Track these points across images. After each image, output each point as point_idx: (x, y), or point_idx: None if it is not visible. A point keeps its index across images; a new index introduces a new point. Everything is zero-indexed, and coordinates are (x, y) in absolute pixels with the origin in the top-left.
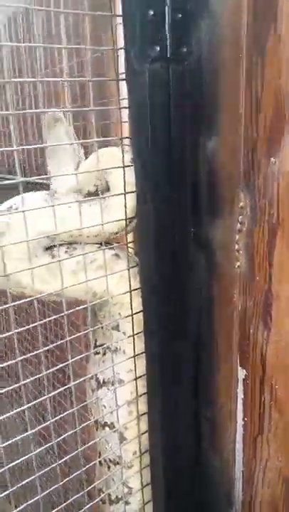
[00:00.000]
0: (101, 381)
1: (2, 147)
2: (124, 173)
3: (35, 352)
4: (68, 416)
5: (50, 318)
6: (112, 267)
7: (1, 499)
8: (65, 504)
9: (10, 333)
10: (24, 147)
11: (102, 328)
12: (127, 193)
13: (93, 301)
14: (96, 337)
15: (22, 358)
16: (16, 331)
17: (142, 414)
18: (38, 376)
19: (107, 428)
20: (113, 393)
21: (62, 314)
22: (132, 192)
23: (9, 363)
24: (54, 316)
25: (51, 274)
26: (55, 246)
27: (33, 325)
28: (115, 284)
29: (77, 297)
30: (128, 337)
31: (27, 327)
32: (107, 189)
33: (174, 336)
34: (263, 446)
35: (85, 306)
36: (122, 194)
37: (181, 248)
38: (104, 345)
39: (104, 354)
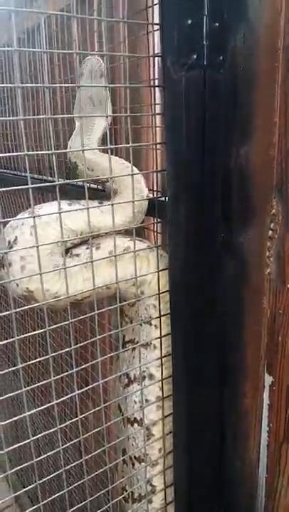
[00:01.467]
0: (132, 377)
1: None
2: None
3: (61, 351)
4: (90, 415)
5: (77, 318)
6: (148, 257)
7: (23, 494)
8: (88, 501)
9: (41, 331)
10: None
11: (130, 323)
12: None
13: (131, 291)
14: (124, 333)
15: (51, 355)
16: (42, 330)
17: (168, 415)
18: (62, 375)
19: (135, 424)
20: (145, 389)
21: (91, 314)
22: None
23: (41, 358)
24: (83, 316)
25: (89, 271)
26: (68, 249)
27: (60, 324)
28: (154, 274)
29: (118, 289)
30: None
31: (54, 326)
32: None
33: (201, 340)
34: (288, 454)
35: (118, 304)
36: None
37: (210, 252)
38: (134, 341)
39: (133, 350)
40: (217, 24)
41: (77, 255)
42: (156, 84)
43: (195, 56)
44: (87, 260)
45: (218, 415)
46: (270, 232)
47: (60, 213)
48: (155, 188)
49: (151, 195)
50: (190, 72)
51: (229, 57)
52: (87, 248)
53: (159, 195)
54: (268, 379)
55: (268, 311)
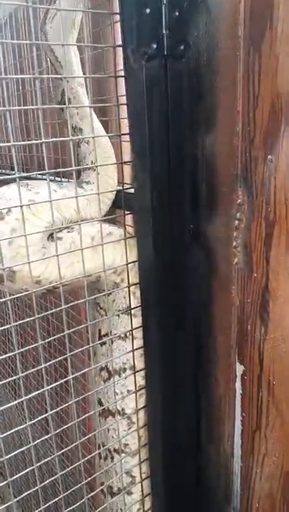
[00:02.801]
0: (112, 370)
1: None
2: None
3: (34, 345)
4: (69, 409)
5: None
6: (130, 243)
7: (2, 488)
8: (64, 494)
9: (8, 326)
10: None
11: (106, 315)
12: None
13: (111, 279)
14: (100, 327)
15: (20, 350)
16: (15, 324)
17: (143, 407)
18: (36, 368)
19: (117, 415)
20: (125, 380)
21: (62, 308)
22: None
23: (8, 355)
24: (58, 309)
25: (71, 256)
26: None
27: (33, 318)
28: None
29: (97, 276)
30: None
31: (27, 319)
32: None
33: (173, 330)
34: (261, 442)
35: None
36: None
37: (179, 243)
38: (113, 334)
39: (112, 343)
40: (177, 13)
41: (60, 239)
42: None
43: (155, 45)
44: (70, 245)
45: (193, 405)
46: (237, 221)
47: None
48: (121, 180)
49: (118, 187)
50: (150, 62)
51: (191, 46)
52: (68, 232)
53: (126, 187)
54: (240, 368)
55: (236, 301)
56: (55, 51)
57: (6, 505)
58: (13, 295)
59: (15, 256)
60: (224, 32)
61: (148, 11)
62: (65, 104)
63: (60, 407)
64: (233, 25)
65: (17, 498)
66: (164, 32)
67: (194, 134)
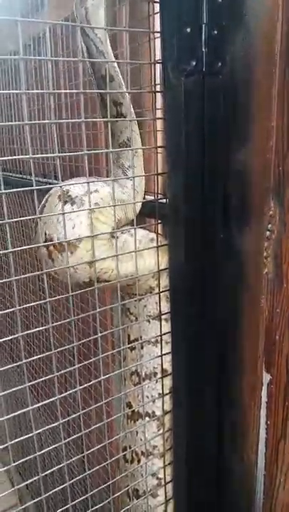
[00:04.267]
0: (142, 375)
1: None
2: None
3: (60, 348)
4: (92, 413)
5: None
6: (162, 250)
7: (27, 495)
8: (85, 497)
9: (44, 327)
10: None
11: (136, 320)
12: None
13: (148, 283)
14: (129, 332)
15: (55, 351)
16: (47, 326)
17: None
18: (62, 372)
19: (147, 418)
20: (155, 384)
21: (93, 312)
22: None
23: (43, 355)
24: (86, 314)
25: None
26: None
27: (67, 320)
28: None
29: (135, 279)
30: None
31: (59, 322)
32: None
33: (200, 337)
34: (286, 451)
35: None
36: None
37: (210, 251)
38: (143, 340)
39: (141, 348)
40: (216, 32)
41: (117, 238)
42: (158, 90)
43: (194, 63)
44: (123, 244)
45: (218, 411)
46: (268, 232)
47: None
48: (156, 191)
49: (152, 197)
50: (189, 78)
51: (228, 63)
52: (122, 233)
53: (160, 198)
54: (266, 377)
55: (265, 311)
56: (95, 30)
57: (24, 506)
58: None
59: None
60: (261, 50)
61: (188, 30)
62: (110, 79)
63: (87, 409)
64: (270, 43)
65: (35, 500)
66: (204, 50)
67: (229, 148)
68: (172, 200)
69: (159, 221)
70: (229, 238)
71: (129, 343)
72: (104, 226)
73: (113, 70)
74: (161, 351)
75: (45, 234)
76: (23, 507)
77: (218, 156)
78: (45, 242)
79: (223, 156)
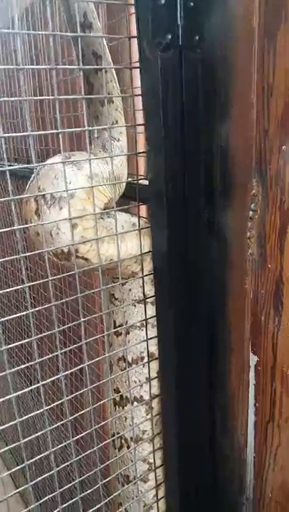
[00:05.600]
0: (130, 360)
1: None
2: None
3: (49, 332)
4: (84, 399)
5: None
6: (145, 233)
7: (17, 472)
8: (79, 480)
9: (25, 312)
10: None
11: (121, 305)
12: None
13: (131, 268)
14: (114, 318)
15: (37, 337)
16: (31, 310)
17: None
18: (50, 356)
19: (135, 402)
20: (142, 368)
21: (77, 295)
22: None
23: (24, 341)
24: (73, 297)
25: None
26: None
27: (48, 305)
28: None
29: (123, 263)
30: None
31: (42, 307)
32: None
33: (186, 320)
34: (274, 433)
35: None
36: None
37: (193, 232)
38: (128, 324)
39: (127, 333)
40: (192, 4)
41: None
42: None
43: (170, 36)
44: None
45: (207, 395)
46: (251, 212)
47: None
48: (135, 172)
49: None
50: (166, 53)
51: (205, 37)
52: (108, 217)
53: (140, 179)
54: (253, 359)
55: (250, 292)
56: None
57: (20, 489)
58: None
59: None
60: (239, 23)
61: (163, 1)
62: (88, 25)
63: (76, 393)
64: (248, 16)
65: (30, 484)
66: (179, 23)
67: (209, 125)
68: (153, 180)
69: (141, 203)
70: (212, 218)
71: (114, 329)
72: (97, 203)
73: (93, 17)
74: (147, 335)
75: (39, 188)
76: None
77: (198, 133)
78: (54, 256)
79: (204, 133)
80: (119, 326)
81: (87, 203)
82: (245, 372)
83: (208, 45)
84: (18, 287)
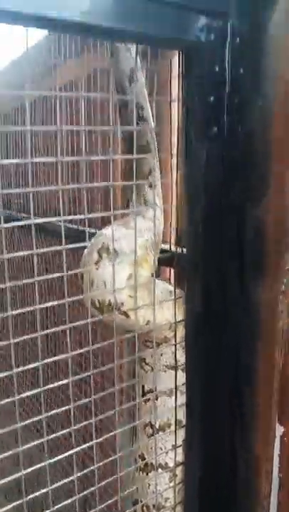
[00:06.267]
0: (157, 426)
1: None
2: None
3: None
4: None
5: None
6: (179, 300)
7: None
8: None
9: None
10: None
11: (151, 371)
12: None
13: (164, 334)
14: (143, 383)
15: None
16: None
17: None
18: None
19: (160, 469)
20: (169, 435)
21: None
22: None
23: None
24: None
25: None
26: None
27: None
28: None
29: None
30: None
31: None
32: None
33: (215, 388)
34: None
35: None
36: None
37: (226, 303)
38: (158, 390)
39: (156, 399)
40: (237, 100)
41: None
42: (178, 153)
43: (216, 129)
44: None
45: (230, 463)
46: (283, 286)
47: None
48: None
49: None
50: (211, 144)
51: (247, 128)
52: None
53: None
54: (280, 429)
55: (279, 363)
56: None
57: None
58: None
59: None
60: (277, 115)
61: (212, 99)
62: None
63: (101, 463)
64: (285, 109)
65: None
66: (225, 117)
67: (245, 203)
68: (190, 252)
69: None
70: (245, 291)
71: (143, 394)
72: (146, 272)
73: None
74: (176, 403)
75: (103, 243)
76: None
77: (236, 212)
78: (98, 306)
79: (241, 212)
80: (149, 391)
81: (143, 261)
82: (271, 441)
83: (249, 135)
84: (34, 336)
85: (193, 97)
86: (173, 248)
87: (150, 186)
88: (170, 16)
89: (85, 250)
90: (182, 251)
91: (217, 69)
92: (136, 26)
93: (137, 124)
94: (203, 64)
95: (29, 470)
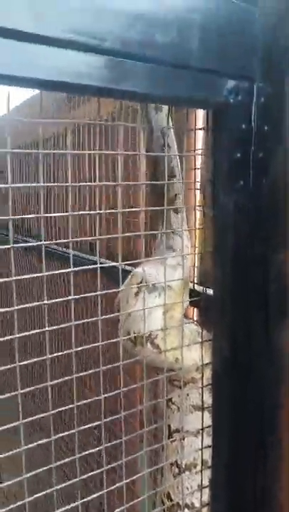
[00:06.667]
0: (183, 466)
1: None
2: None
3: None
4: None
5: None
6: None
7: None
8: None
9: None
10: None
11: (178, 410)
12: None
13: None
14: (169, 422)
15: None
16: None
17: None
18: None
19: (186, 509)
20: (195, 475)
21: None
22: None
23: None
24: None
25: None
26: None
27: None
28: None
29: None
30: None
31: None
32: None
33: (240, 430)
34: None
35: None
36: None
37: (252, 347)
38: (184, 430)
39: (182, 439)
40: (261, 154)
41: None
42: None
43: (242, 182)
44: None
45: (254, 509)
46: None
47: None
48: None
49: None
50: (237, 196)
51: (271, 180)
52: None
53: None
54: None
55: None
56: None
57: None
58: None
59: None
60: None
61: (239, 155)
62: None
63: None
64: None
65: None
66: (251, 171)
67: (270, 253)
68: (218, 300)
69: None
70: (270, 341)
71: (169, 434)
72: (180, 309)
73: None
74: (202, 444)
75: (142, 278)
76: None
77: (260, 262)
78: (133, 338)
79: (265, 262)
80: (175, 431)
81: (178, 298)
82: None
83: (273, 187)
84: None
85: (220, 153)
86: (196, 286)
87: (176, 212)
88: (202, 80)
89: (123, 284)
90: (205, 290)
91: (244, 126)
92: (169, 91)
93: (162, 150)
94: (231, 122)
95: None
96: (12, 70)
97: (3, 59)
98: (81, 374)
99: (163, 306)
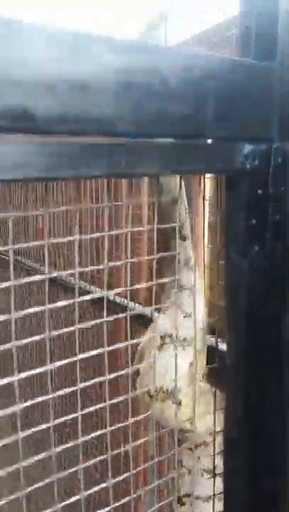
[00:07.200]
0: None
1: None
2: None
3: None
4: None
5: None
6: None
7: None
8: None
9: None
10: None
11: (188, 473)
12: None
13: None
14: (180, 486)
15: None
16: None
17: None
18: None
19: None
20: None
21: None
22: None
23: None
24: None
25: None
26: None
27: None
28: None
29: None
30: None
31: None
32: None
33: (253, 496)
34: None
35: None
36: None
37: (264, 412)
38: (193, 495)
39: (191, 505)
40: (278, 217)
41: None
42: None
43: (257, 248)
44: None
45: None
46: None
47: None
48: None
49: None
50: (253, 259)
51: (287, 240)
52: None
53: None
54: None
55: None
56: None
57: None
58: None
59: None
60: None
61: (254, 221)
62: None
63: None
64: None
65: None
66: (267, 236)
67: (283, 311)
68: (232, 358)
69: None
70: (284, 402)
71: (179, 499)
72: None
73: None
74: (214, 509)
75: (164, 327)
76: None
77: (274, 320)
78: (152, 393)
79: (279, 321)
80: (185, 495)
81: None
82: None
83: (286, 247)
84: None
85: (235, 221)
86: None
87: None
88: (217, 149)
89: (144, 336)
90: (217, 344)
91: (260, 192)
92: (183, 165)
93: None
94: (247, 188)
95: None
96: None
97: None
98: (87, 438)
99: (190, 359)
